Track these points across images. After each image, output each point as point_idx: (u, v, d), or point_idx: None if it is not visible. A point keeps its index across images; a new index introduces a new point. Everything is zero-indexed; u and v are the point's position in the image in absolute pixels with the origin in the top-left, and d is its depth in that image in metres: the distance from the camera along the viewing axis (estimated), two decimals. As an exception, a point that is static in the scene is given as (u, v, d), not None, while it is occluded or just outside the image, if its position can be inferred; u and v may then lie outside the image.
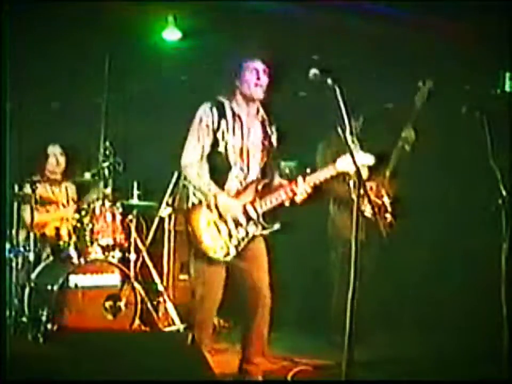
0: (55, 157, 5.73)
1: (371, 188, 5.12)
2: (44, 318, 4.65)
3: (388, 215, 5.14)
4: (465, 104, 3.86)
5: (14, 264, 4.93)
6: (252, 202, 3.92)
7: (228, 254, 3.87)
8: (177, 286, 6.04)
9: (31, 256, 4.99)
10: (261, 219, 3.93)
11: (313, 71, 3.66)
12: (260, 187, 3.97)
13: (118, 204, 5.38)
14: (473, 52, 5.49)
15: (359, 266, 3.05)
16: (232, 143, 3.92)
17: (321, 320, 5.29)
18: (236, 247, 3.88)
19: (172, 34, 6.16)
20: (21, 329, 4.75)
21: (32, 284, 4.96)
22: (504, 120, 5.13)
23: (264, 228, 3.95)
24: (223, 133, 3.90)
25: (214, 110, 3.90)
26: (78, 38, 5.90)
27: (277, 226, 3.97)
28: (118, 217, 5.32)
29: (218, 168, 3.93)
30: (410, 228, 5.42)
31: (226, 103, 3.95)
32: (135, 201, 5.52)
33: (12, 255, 4.94)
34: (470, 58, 5.51)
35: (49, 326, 4.63)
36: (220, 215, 3.85)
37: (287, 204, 3.96)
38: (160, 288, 5.55)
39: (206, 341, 4.01)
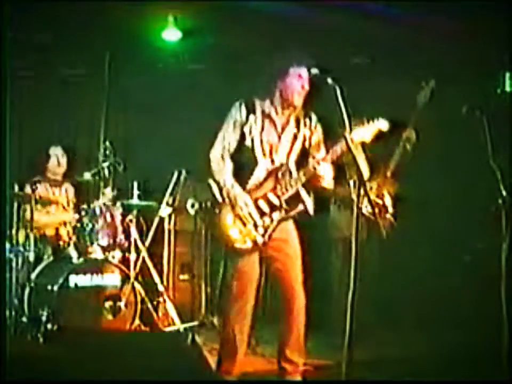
0: (57, 158, 5.74)
1: (371, 188, 5.12)
2: (44, 318, 4.65)
3: (389, 215, 5.14)
4: (465, 104, 3.86)
5: (14, 264, 4.94)
6: (274, 189, 3.93)
7: (255, 242, 3.87)
8: (177, 286, 6.05)
9: (31, 256, 5.00)
10: (284, 204, 3.93)
11: (313, 71, 3.67)
12: (280, 173, 3.97)
13: (118, 204, 5.38)
14: (473, 52, 5.49)
15: (359, 266, 3.05)
16: (260, 139, 3.94)
17: (321, 320, 5.29)
18: (263, 235, 3.89)
19: (172, 34, 6.16)
20: (21, 329, 4.75)
21: (32, 284, 4.97)
22: (504, 120, 5.13)
23: (287, 212, 3.94)
24: (250, 127, 3.93)
25: (243, 106, 3.94)
26: (78, 38, 5.91)
27: (300, 207, 3.97)
28: (118, 217, 5.33)
29: (245, 163, 3.95)
30: (410, 227, 5.42)
31: (258, 102, 3.98)
32: (135, 201, 5.51)
33: (12, 255, 4.94)
34: (470, 58, 5.51)
35: (49, 326, 4.63)
36: (239, 215, 3.87)
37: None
38: (160, 288, 5.55)
39: (240, 336, 3.94)
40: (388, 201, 5.19)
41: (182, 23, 6.10)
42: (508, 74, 5.76)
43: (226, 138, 3.95)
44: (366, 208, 4.88)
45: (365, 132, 3.85)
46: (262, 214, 3.90)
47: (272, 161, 3.96)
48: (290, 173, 3.97)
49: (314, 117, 4.08)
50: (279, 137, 3.99)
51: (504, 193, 3.70)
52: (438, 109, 5.21)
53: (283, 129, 4.01)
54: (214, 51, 6.19)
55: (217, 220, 3.92)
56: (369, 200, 4.62)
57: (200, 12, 5.79)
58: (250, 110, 3.95)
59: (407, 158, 5.15)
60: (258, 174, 3.95)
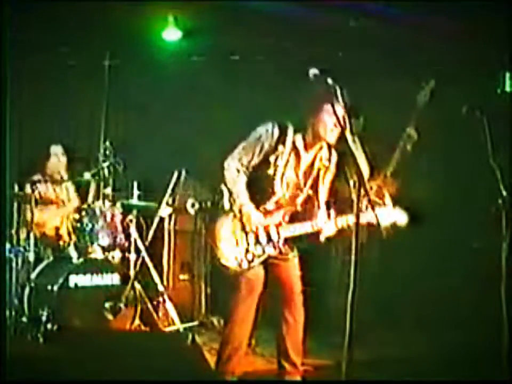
0: (57, 157, 5.74)
1: (371, 188, 5.11)
2: (44, 318, 4.65)
3: (388, 215, 5.13)
4: (465, 104, 3.85)
5: (14, 264, 4.93)
6: (277, 225, 3.92)
7: (240, 266, 3.88)
8: (177, 286, 6.05)
9: (31, 256, 4.99)
10: (280, 243, 3.92)
11: (313, 71, 3.67)
12: (289, 213, 3.95)
13: (118, 204, 5.38)
14: (473, 52, 5.49)
15: (359, 266, 3.04)
16: (282, 171, 3.89)
17: (321, 320, 5.28)
18: (249, 262, 3.88)
19: (172, 34, 6.16)
20: (21, 329, 4.75)
21: (32, 284, 4.96)
22: (504, 120, 5.13)
23: (281, 253, 3.94)
24: (276, 157, 3.87)
25: (276, 132, 3.85)
26: (78, 38, 5.91)
27: (293, 254, 3.98)
28: (118, 217, 5.33)
29: (263, 190, 3.91)
30: (410, 227, 5.41)
31: (290, 131, 3.88)
32: (135, 201, 5.51)
33: (12, 255, 4.94)
34: (470, 58, 5.51)
35: (49, 326, 4.63)
36: (243, 226, 3.86)
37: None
38: (160, 288, 5.55)
39: (240, 338, 3.96)
40: (388, 201, 5.18)
41: (182, 23, 6.11)
42: (508, 74, 5.76)
43: (248, 157, 3.89)
44: (366, 208, 4.88)
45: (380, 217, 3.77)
46: (257, 242, 3.89)
47: (287, 196, 3.93)
48: (297, 216, 3.94)
49: (334, 158, 4.00)
50: (297, 174, 3.94)
51: (504, 193, 3.69)
52: (438, 109, 5.20)
53: (306, 166, 3.96)
54: (214, 51, 6.19)
55: (212, 227, 3.92)
56: (369, 200, 4.60)
57: (200, 12, 5.80)
58: (281, 139, 3.86)
59: (408, 157, 5.15)
60: (270, 204, 3.92)
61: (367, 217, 3.76)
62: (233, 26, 5.76)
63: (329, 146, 3.98)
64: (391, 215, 3.95)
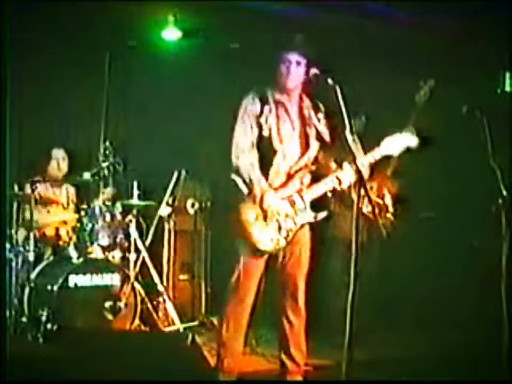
0: (57, 162, 5.73)
1: (371, 187, 5.12)
2: (43, 318, 4.65)
3: (389, 215, 5.14)
4: (465, 104, 3.86)
5: (14, 264, 4.94)
6: (299, 191, 3.92)
7: (278, 245, 3.86)
8: (177, 286, 6.05)
9: (31, 256, 4.99)
10: (308, 208, 3.92)
11: (313, 71, 3.67)
12: (307, 175, 3.97)
13: (118, 204, 5.38)
14: (473, 52, 5.49)
15: (359, 266, 3.05)
16: (277, 127, 3.91)
17: (321, 320, 5.28)
18: (286, 238, 3.87)
19: (171, 34, 6.16)
20: (21, 329, 4.75)
21: (32, 284, 4.96)
22: (504, 120, 5.13)
23: (311, 216, 3.94)
24: (266, 117, 3.89)
25: (256, 98, 3.92)
26: (78, 38, 5.91)
27: (324, 214, 3.97)
28: (118, 217, 5.33)
29: (265, 153, 3.91)
30: (410, 227, 5.42)
31: (269, 92, 3.95)
32: (135, 201, 5.51)
33: (12, 255, 4.94)
34: (470, 58, 5.51)
35: (49, 326, 4.63)
36: (265, 212, 3.84)
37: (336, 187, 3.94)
38: (160, 288, 5.55)
39: (236, 334, 3.96)
40: (388, 201, 5.19)
41: (182, 23, 6.10)
42: (508, 74, 5.76)
43: (248, 130, 3.90)
44: (366, 208, 4.88)
45: (393, 146, 3.86)
46: (286, 216, 3.88)
47: (290, 149, 3.94)
48: (318, 173, 3.96)
49: (322, 109, 4.05)
50: (293, 126, 3.97)
51: (504, 193, 3.70)
52: (438, 109, 5.20)
53: (297, 117, 3.99)
54: (214, 51, 6.18)
55: (236, 216, 3.86)
56: (370, 200, 4.61)
57: (200, 12, 5.79)
58: (264, 100, 3.92)
59: (407, 157, 5.15)
60: (278, 163, 3.92)
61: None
62: (233, 26, 5.76)
63: (310, 99, 4.02)
64: (402, 142, 3.96)
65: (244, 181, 3.87)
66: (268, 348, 4.77)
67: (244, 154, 3.88)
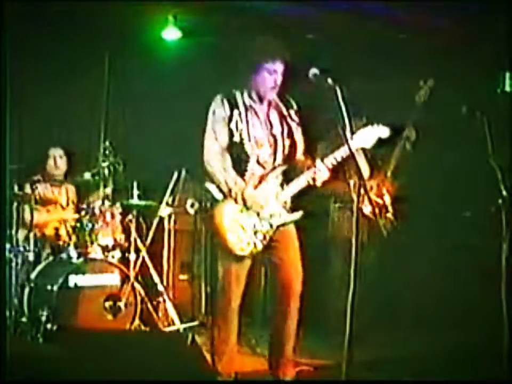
0: (54, 160, 5.73)
1: (371, 187, 5.12)
2: (43, 318, 4.65)
3: (389, 215, 5.14)
4: (465, 104, 3.86)
5: (14, 264, 4.93)
6: (275, 193, 3.91)
7: (255, 248, 3.85)
8: (177, 286, 6.05)
9: (31, 256, 4.99)
10: (283, 209, 3.92)
11: (313, 71, 3.68)
12: (280, 175, 3.96)
13: (118, 204, 5.38)
14: (473, 52, 5.49)
15: (359, 266, 3.05)
16: (248, 133, 3.89)
17: (321, 320, 5.29)
18: (261, 241, 3.86)
19: (171, 34, 6.16)
20: (21, 329, 4.75)
21: (32, 284, 4.96)
22: (504, 120, 5.13)
23: (287, 217, 3.93)
24: (236, 122, 3.88)
25: (225, 101, 3.90)
26: (78, 38, 5.90)
27: (299, 214, 3.96)
28: (118, 217, 5.33)
29: (237, 159, 3.90)
30: (410, 227, 5.41)
31: (238, 95, 3.94)
32: (135, 201, 5.51)
33: (12, 255, 4.94)
34: (470, 58, 5.51)
35: (49, 326, 4.63)
36: (247, 208, 3.83)
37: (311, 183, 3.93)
38: (160, 288, 5.55)
39: (225, 336, 3.96)
40: (388, 200, 5.19)
41: (182, 23, 6.10)
42: (508, 74, 5.76)
43: (219, 135, 3.89)
44: (366, 208, 4.89)
45: (365, 138, 3.86)
46: (261, 218, 3.87)
47: (263, 154, 3.93)
48: (286, 174, 3.95)
49: (294, 106, 4.05)
50: (266, 129, 3.95)
51: (504, 193, 3.70)
52: (438, 109, 5.21)
53: (267, 120, 3.98)
54: (214, 51, 6.18)
55: (213, 221, 3.87)
56: (369, 200, 4.61)
57: (200, 12, 5.79)
58: (233, 104, 3.91)
59: (407, 157, 5.15)
60: (251, 170, 3.91)
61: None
62: (233, 26, 5.75)
63: (282, 99, 4.01)
64: (373, 133, 3.93)
65: (218, 186, 3.86)
66: (267, 348, 4.77)
67: (215, 159, 3.87)
